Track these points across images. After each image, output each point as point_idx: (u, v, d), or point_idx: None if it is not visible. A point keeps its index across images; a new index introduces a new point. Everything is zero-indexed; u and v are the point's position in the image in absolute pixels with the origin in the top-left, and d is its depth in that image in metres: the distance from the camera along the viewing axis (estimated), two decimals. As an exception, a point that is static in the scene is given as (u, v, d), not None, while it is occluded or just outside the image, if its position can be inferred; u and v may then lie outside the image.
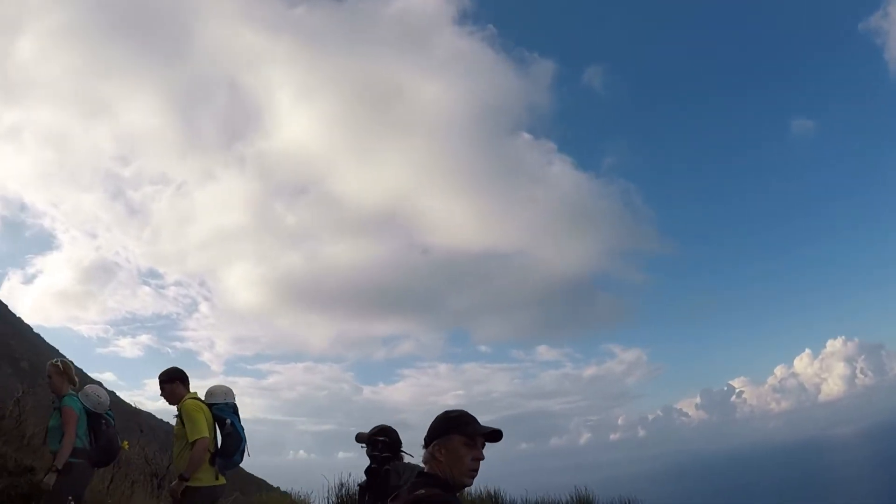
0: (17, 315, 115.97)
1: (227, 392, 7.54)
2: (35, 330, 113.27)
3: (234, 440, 7.12)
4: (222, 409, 7.24)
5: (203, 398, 7.32)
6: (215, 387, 7.62)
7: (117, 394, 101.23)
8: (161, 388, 7.35)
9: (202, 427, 6.86)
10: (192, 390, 7.37)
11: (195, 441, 6.75)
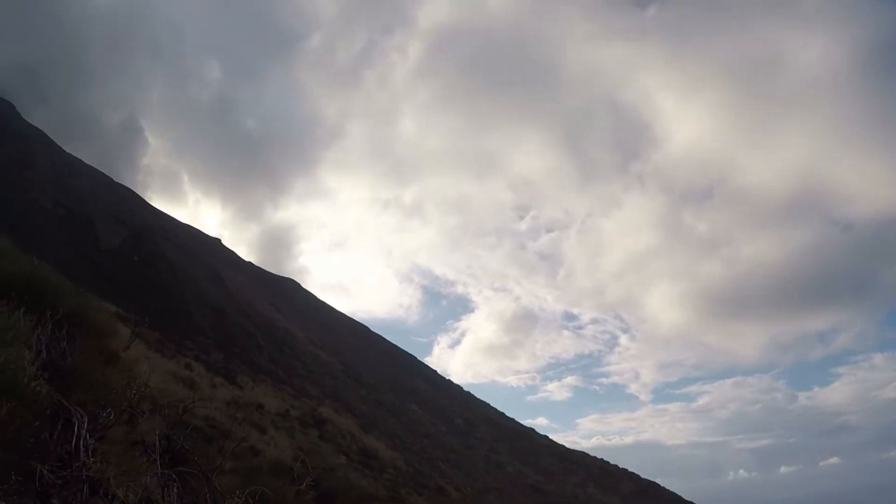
0: (447, 378, 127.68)
1: None
2: (465, 388, 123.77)
3: None
4: None
5: None
6: None
7: (550, 437, 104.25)
8: None
9: None
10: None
11: None
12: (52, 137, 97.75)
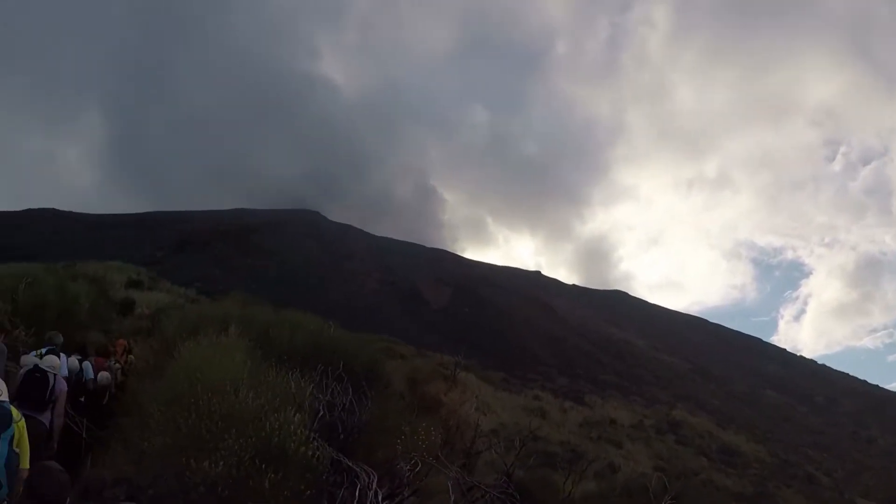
0: (798, 354, 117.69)
1: None
2: (819, 362, 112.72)
3: None
4: None
5: None
6: None
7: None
8: None
9: None
10: None
11: None
12: (359, 227, 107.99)
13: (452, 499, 8.08)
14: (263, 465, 6.80)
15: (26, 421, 7.18)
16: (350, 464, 7.96)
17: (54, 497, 4.70)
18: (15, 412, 5.15)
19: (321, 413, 8.92)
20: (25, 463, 5.09)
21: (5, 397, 5.17)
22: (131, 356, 13.37)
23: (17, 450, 5.00)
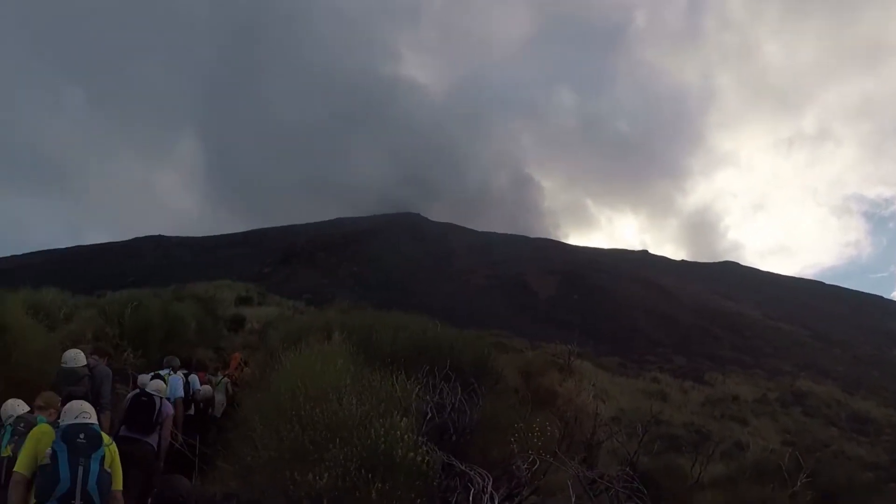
0: None
1: (51, 399, 5.93)
2: None
3: (48, 479, 4.69)
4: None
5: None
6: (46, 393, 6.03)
7: None
8: None
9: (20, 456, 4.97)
10: None
11: None
12: (460, 224, 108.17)
13: (573, 497, 7.53)
14: (370, 475, 6.48)
15: (134, 444, 7.19)
16: (463, 467, 7.53)
17: (182, 502, 5.19)
18: (105, 436, 5.07)
19: (429, 415, 8.54)
20: (118, 485, 5.05)
21: (94, 420, 5.10)
22: (247, 369, 13.57)
23: (109, 470, 4.95)
